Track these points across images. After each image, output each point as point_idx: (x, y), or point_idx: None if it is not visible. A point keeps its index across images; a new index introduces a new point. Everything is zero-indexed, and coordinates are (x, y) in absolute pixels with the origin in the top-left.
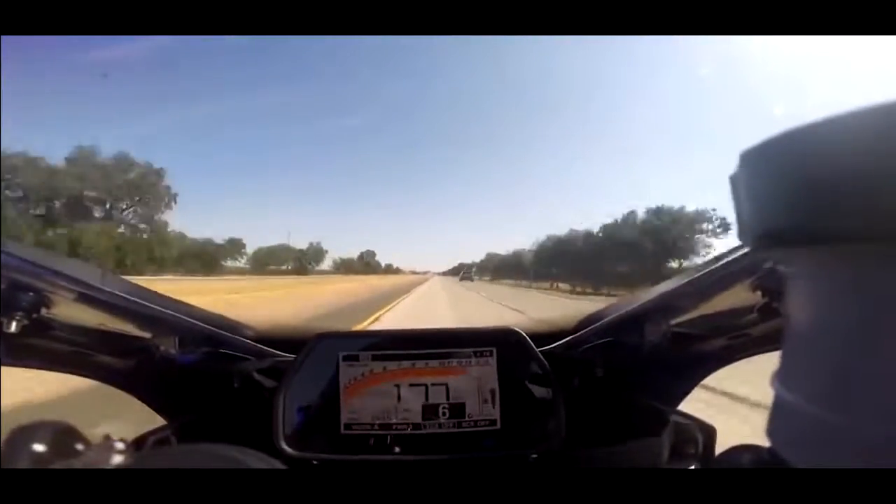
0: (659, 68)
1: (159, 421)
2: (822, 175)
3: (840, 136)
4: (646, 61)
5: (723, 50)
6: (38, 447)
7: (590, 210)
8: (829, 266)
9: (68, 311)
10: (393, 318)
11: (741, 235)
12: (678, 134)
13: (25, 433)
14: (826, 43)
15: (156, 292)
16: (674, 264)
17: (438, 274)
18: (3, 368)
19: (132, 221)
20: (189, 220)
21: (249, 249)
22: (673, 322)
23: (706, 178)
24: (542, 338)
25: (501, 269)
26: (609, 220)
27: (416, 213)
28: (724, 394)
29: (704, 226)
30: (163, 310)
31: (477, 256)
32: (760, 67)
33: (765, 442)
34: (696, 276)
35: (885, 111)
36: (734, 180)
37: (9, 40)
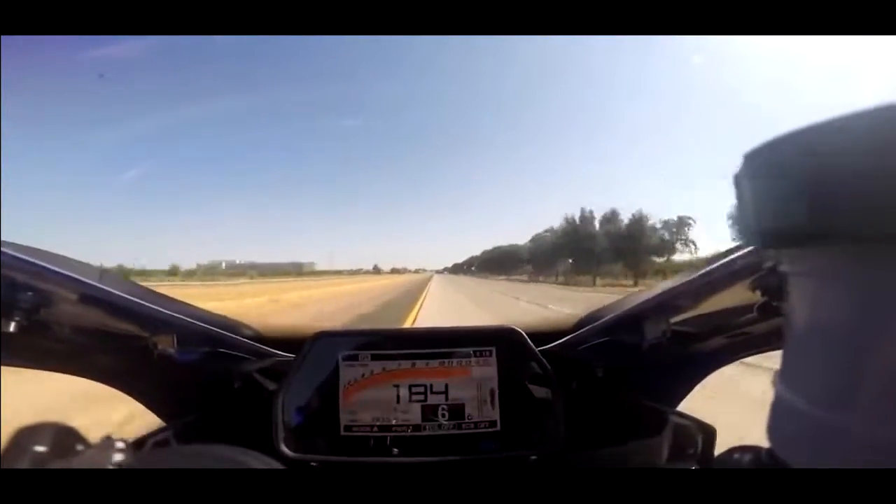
0: (649, 68)
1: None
2: (824, 176)
3: (841, 138)
4: (637, 61)
5: (714, 49)
6: (39, 447)
7: (572, 207)
8: (830, 266)
9: (67, 310)
10: None
11: (744, 234)
12: (666, 134)
13: (26, 434)
14: (814, 43)
15: (155, 291)
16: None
17: (438, 272)
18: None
19: None
20: (184, 217)
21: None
22: (673, 321)
23: (693, 177)
24: (541, 337)
25: (484, 265)
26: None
27: (411, 211)
28: None
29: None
30: (162, 310)
31: (467, 254)
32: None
33: (764, 442)
34: (696, 275)
35: (885, 113)
36: (738, 179)
37: (9, 40)
